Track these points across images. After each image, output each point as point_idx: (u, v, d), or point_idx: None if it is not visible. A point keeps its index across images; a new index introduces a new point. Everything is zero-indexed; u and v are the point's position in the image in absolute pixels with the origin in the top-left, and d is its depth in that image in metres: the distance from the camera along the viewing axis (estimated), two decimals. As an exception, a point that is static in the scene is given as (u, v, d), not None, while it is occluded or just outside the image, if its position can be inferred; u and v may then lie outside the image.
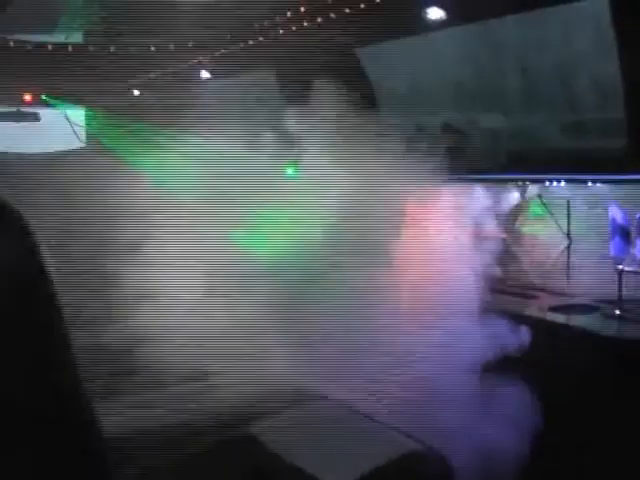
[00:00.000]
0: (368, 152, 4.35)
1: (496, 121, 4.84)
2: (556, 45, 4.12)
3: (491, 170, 4.86)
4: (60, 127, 8.14)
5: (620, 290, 4.38)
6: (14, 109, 7.90)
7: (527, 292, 4.96)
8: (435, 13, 4.16)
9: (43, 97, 7.82)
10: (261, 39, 5.01)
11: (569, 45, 4.05)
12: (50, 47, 6.45)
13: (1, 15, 5.59)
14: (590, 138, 4.43)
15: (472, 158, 4.46)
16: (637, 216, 4.37)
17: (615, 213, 4.45)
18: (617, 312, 4.32)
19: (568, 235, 4.92)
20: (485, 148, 4.48)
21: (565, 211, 4.90)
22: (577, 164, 4.41)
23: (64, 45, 6.58)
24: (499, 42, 4.45)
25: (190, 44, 5.99)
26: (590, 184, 4.66)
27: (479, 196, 5.13)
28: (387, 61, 5.12)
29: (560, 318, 4.43)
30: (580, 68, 4.13)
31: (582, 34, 3.96)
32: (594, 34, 3.94)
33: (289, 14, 4.55)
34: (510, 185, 5.13)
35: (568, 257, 4.91)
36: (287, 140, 4.69)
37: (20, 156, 7.53)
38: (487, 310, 4.27)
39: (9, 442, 0.82)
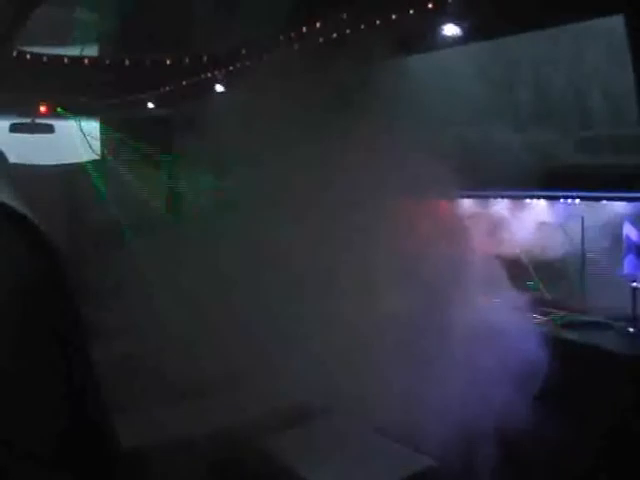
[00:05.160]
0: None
1: (509, 136, 4.83)
2: (572, 61, 4.12)
3: (503, 186, 4.86)
4: (74, 139, 8.19)
5: (634, 307, 4.35)
6: (29, 120, 7.95)
7: (541, 308, 4.94)
8: (450, 30, 4.18)
9: (58, 109, 7.88)
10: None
11: (585, 61, 4.05)
12: (66, 60, 6.50)
13: (19, 28, 5.64)
14: (605, 155, 4.41)
15: (486, 173, 4.44)
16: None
17: (629, 230, 4.43)
18: (631, 329, 4.29)
19: (582, 252, 4.89)
20: (498, 164, 4.46)
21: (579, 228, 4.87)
22: (592, 181, 4.40)
23: (80, 58, 6.64)
24: (513, 58, 4.46)
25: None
26: (605, 202, 4.65)
27: (494, 211, 5.15)
28: (402, 76, 5.14)
29: (574, 335, 4.41)
30: (595, 84, 4.13)
31: (597, 50, 3.96)
32: (609, 50, 3.95)
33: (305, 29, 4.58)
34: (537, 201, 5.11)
35: (582, 274, 4.88)
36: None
37: (34, 168, 7.58)
38: (499, 325, 4.26)
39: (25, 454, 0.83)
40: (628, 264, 4.45)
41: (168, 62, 6.24)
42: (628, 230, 4.44)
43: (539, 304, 4.97)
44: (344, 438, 3.62)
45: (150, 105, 7.73)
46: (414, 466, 3.31)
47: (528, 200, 5.13)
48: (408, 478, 3.22)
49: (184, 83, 6.63)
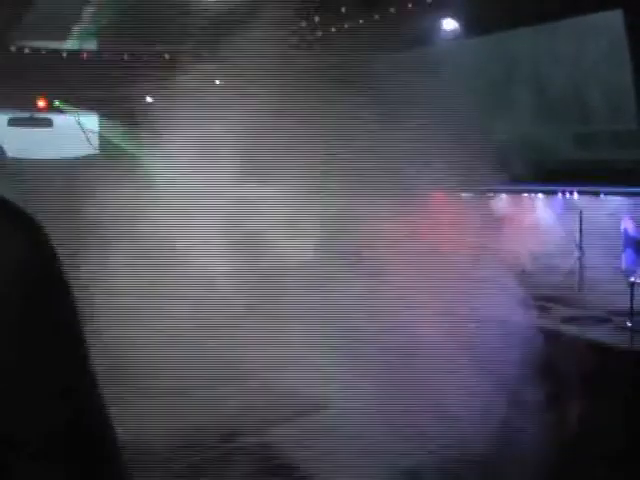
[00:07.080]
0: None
1: (510, 132, 4.83)
2: (571, 57, 4.12)
3: (504, 181, 4.86)
4: (73, 133, 8.17)
5: (632, 302, 4.35)
6: (27, 115, 7.94)
7: (540, 303, 4.94)
8: (449, 24, 4.18)
9: (56, 103, 7.86)
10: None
11: (584, 57, 4.05)
12: (64, 54, 6.50)
13: (17, 23, 5.64)
14: (604, 150, 4.41)
15: (489, 170, 4.44)
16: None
17: (627, 225, 4.43)
18: (628, 324, 4.30)
19: (580, 247, 4.89)
20: (499, 160, 4.47)
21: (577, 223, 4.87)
22: (590, 176, 4.40)
23: (78, 52, 6.64)
24: (513, 54, 4.46)
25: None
26: (603, 196, 4.65)
27: (495, 207, 5.15)
28: (402, 70, 5.13)
29: (572, 329, 4.41)
30: (594, 80, 4.13)
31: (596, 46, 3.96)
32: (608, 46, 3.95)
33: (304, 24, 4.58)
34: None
35: (580, 269, 4.88)
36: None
37: (33, 162, 7.56)
38: (500, 319, 4.26)
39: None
40: (626, 259, 4.45)
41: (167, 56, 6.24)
42: (626, 225, 4.43)
43: (540, 299, 4.98)
44: (344, 433, 3.63)
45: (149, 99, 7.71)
46: (415, 459, 3.32)
47: (526, 194, 5.15)
48: (404, 471, 3.24)
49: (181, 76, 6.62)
